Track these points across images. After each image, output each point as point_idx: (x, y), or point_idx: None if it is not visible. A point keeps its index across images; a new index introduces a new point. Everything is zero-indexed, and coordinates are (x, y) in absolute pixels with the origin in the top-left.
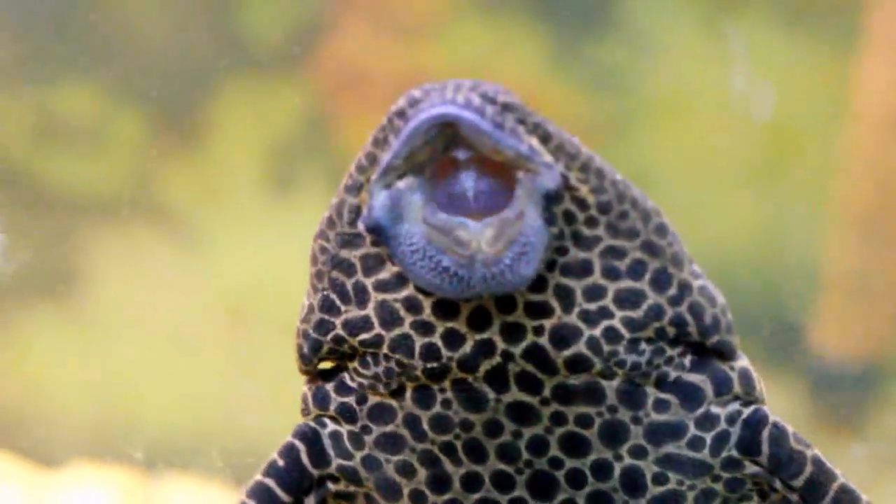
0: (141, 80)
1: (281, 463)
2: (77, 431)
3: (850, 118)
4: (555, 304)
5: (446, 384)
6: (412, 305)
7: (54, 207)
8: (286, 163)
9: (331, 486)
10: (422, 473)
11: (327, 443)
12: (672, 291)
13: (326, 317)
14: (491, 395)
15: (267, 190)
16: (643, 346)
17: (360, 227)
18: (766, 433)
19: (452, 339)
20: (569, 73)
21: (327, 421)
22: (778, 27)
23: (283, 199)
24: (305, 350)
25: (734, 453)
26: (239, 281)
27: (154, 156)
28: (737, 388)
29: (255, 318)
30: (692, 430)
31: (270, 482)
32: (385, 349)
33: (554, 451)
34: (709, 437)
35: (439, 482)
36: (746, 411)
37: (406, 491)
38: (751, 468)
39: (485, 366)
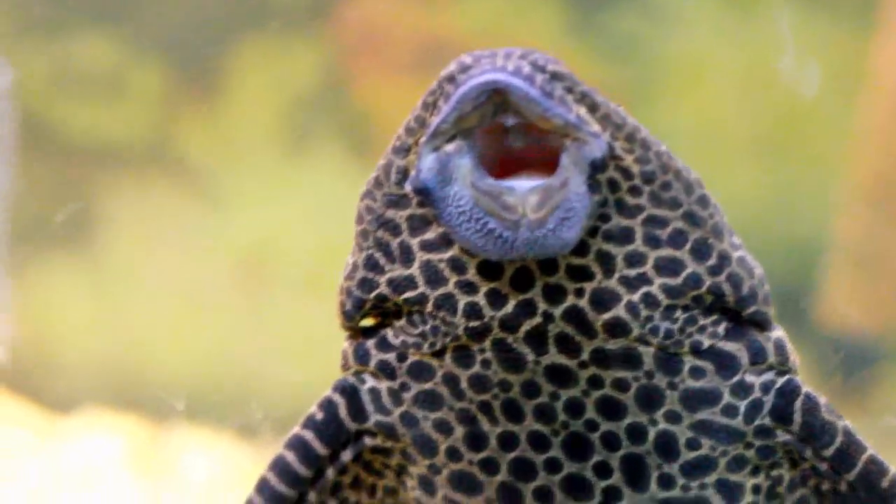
0: (161, 32)
1: (319, 416)
2: (90, 379)
3: (865, 91)
4: (596, 268)
5: (486, 344)
6: (457, 265)
7: (72, 156)
8: (303, 120)
9: (368, 440)
10: (459, 431)
11: (366, 398)
12: (711, 261)
13: (370, 275)
14: (530, 356)
15: (283, 146)
16: (678, 313)
17: (408, 188)
18: (798, 403)
19: (495, 298)
20: (584, 41)
21: (367, 377)
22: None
23: (298, 156)
24: (348, 307)
25: (767, 421)
26: (253, 235)
27: (172, 108)
28: (771, 358)
29: (268, 272)
30: (726, 398)
31: (308, 435)
32: (429, 307)
33: (590, 413)
34: (742, 405)
35: (476, 440)
36: (780, 381)
37: (442, 448)
38: (782, 437)
39: (525, 326)
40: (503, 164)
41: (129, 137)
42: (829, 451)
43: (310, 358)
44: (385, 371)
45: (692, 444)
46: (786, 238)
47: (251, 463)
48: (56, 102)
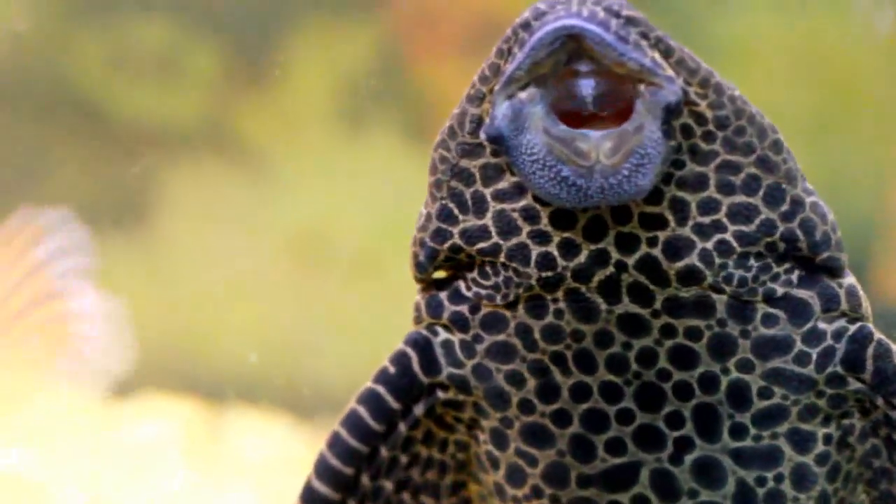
0: (217, 14)
1: (392, 370)
2: (146, 362)
3: None
4: (669, 216)
5: (559, 294)
6: (530, 215)
7: (127, 137)
8: (358, 102)
9: (440, 394)
10: (531, 383)
11: (439, 351)
12: (785, 207)
13: (444, 226)
14: (603, 306)
15: (339, 129)
16: (751, 261)
17: (482, 136)
18: (871, 350)
19: (568, 248)
20: None
21: (439, 329)
22: None
23: (354, 138)
24: (422, 258)
25: (839, 369)
26: (309, 216)
27: (228, 89)
28: (844, 305)
29: (323, 254)
30: (799, 346)
31: (381, 389)
32: (502, 258)
33: (662, 362)
34: (815, 353)
35: (548, 392)
36: (852, 328)
37: (515, 400)
38: (854, 384)
39: (598, 276)
40: (576, 118)
41: (185, 119)
42: None
43: (365, 339)
44: (458, 323)
45: (764, 393)
46: (840, 216)
47: (306, 445)
48: (113, 85)
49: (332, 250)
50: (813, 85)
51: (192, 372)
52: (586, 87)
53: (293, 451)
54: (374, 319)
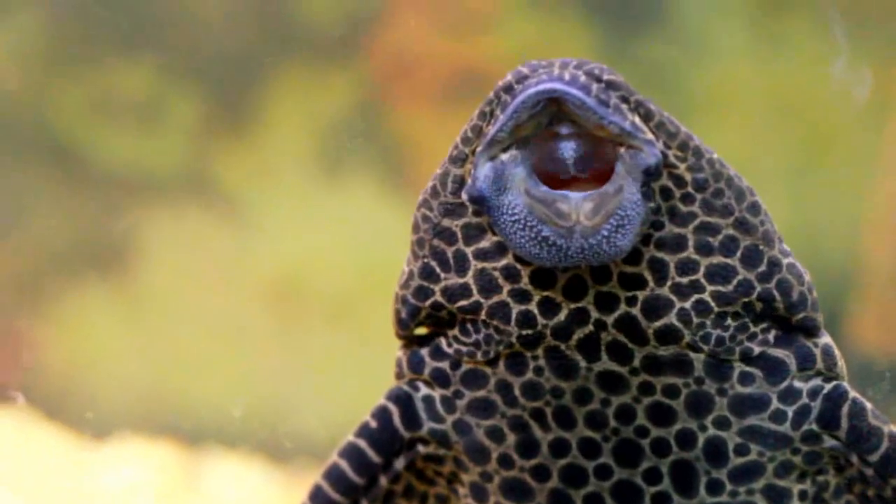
0: (196, 61)
1: (373, 424)
2: (125, 406)
3: (890, 117)
4: (648, 276)
5: (539, 352)
6: (511, 274)
7: (107, 185)
8: (337, 148)
9: (421, 448)
10: (511, 438)
11: (420, 406)
12: (762, 268)
13: (426, 283)
14: (582, 363)
15: (317, 174)
16: (728, 320)
17: (464, 197)
18: (845, 408)
19: (548, 307)
20: (617, 69)
21: (420, 385)
22: (823, 29)
23: (333, 184)
24: (403, 315)
25: (814, 427)
26: (288, 263)
27: (207, 137)
28: (819, 364)
29: (302, 300)
30: (775, 404)
31: (362, 443)
32: (483, 315)
33: (640, 419)
34: (790, 411)
35: (528, 447)
36: (827, 386)
37: (495, 455)
38: (829, 442)
39: (578, 334)
40: (556, 180)
41: (164, 166)
42: (874, 456)
43: (343, 385)
44: (439, 379)
45: (741, 450)
46: (812, 264)
47: (283, 490)
48: (93, 132)
49: (311, 297)
50: (788, 136)
51: (170, 418)
52: (567, 149)
53: (271, 496)
54: (352, 366)
